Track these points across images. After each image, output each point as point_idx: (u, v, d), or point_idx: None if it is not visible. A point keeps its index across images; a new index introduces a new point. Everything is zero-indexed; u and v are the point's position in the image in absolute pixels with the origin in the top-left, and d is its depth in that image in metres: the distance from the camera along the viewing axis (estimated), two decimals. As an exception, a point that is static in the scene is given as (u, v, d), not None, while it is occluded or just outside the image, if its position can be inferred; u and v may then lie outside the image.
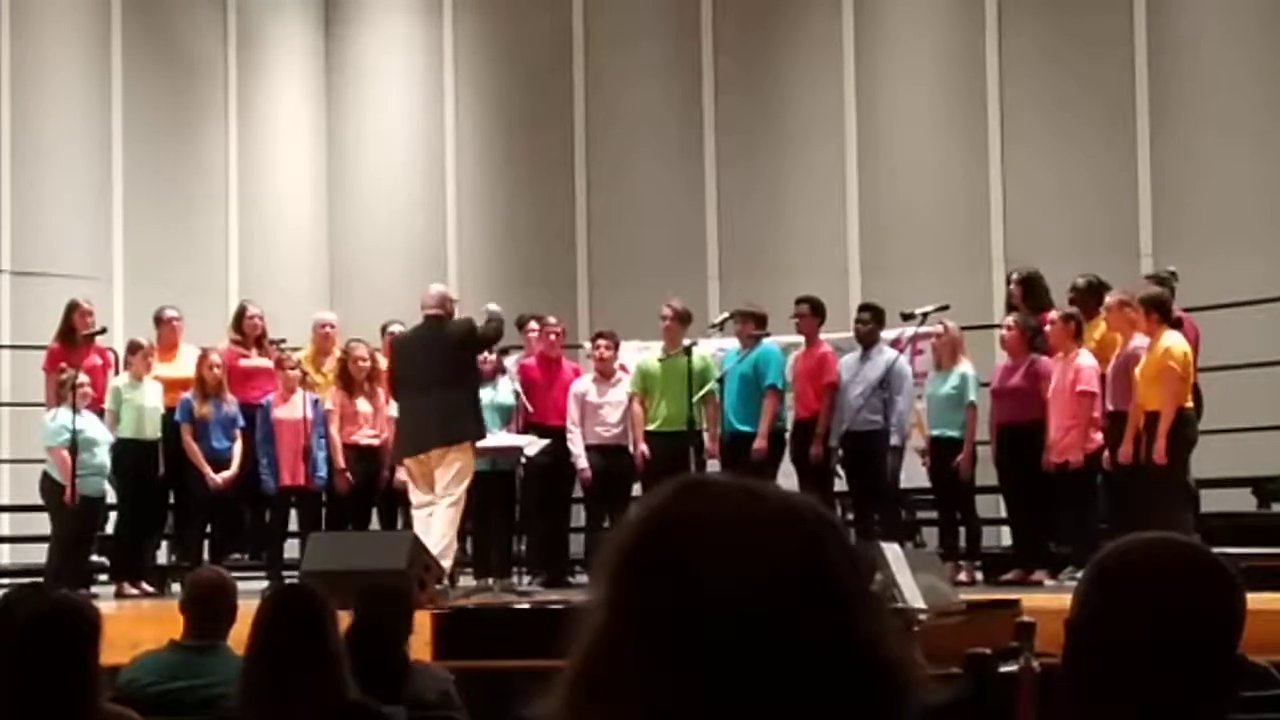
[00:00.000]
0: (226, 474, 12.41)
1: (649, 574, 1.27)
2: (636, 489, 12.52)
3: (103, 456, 12.22)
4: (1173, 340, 10.54)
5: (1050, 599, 9.15)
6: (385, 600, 5.94)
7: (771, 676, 1.23)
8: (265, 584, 10.80)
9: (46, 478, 12.17)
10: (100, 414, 12.39)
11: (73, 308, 12.97)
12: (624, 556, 1.29)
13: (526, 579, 12.66)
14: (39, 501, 12.39)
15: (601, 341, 12.82)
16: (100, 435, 12.23)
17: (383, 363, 12.46)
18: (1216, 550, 2.07)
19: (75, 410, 11.94)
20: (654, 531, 1.29)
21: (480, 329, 11.36)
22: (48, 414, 12.34)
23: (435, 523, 10.84)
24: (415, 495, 11.16)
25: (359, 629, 5.60)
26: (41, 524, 12.52)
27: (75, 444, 11.89)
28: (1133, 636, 1.95)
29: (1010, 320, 11.80)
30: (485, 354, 11.98)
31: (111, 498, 12.67)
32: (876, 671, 1.26)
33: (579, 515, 13.00)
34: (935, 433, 11.98)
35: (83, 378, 12.14)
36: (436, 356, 11.02)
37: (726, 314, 12.87)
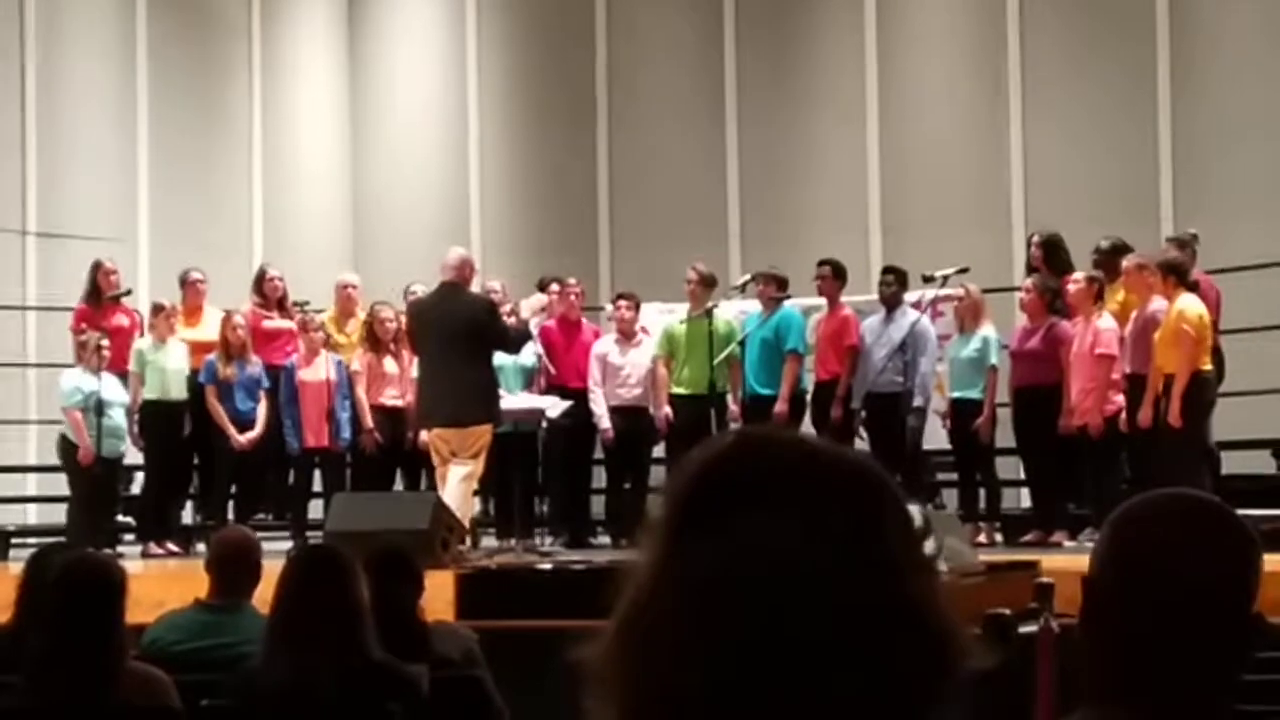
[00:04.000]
0: (251, 434, 12.47)
1: (698, 529, 1.26)
2: (658, 451, 12.57)
3: (119, 418, 12.26)
4: (1187, 303, 10.50)
5: (1069, 560, 9.17)
6: (389, 563, 5.95)
7: (817, 638, 1.23)
8: (290, 544, 10.84)
9: (63, 439, 12.24)
10: (122, 376, 12.43)
11: (96, 267, 13.05)
12: (674, 510, 1.29)
13: (548, 539, 12.70)
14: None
15: (623, 303, 12.80)
16: (117, 397, 12.25)
17: (406, 324, 12.46)
18: (1237, 512, 2.08)
19: (95, 371, 12.00)
20: (707, 487, 1.29)
21: (504, 325, 11.17)
22: (64, 375, 12.40)
23: (448, 497, 10.62)
24: (437, 460, 11.17)
25: (372, 595, 5.63)
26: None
27: (89, 405, 11.95)
28: (1148, 593, 1.96)
29: (1029, 283, 11.77)
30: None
31: (136, 458, 12.73)
32: (925, 635, 1.25)
33: (600, 476, 13.04)
34: (956, 395, 11.98)
35: (104, 340, 12.19)
36: (452, 327, 10.85)
37: (748, 276, 12.86)
